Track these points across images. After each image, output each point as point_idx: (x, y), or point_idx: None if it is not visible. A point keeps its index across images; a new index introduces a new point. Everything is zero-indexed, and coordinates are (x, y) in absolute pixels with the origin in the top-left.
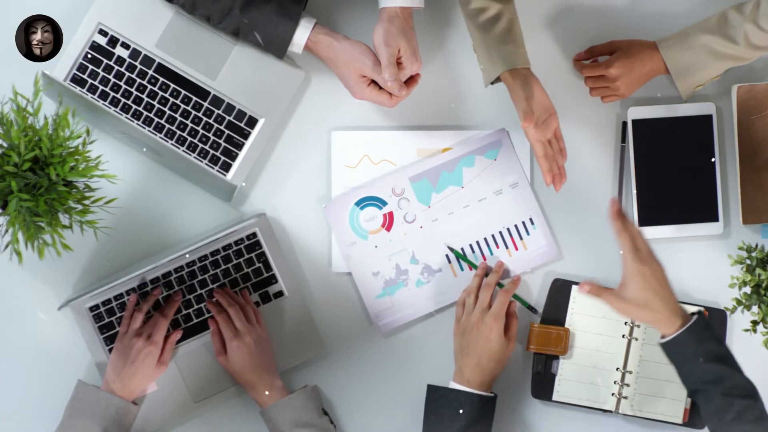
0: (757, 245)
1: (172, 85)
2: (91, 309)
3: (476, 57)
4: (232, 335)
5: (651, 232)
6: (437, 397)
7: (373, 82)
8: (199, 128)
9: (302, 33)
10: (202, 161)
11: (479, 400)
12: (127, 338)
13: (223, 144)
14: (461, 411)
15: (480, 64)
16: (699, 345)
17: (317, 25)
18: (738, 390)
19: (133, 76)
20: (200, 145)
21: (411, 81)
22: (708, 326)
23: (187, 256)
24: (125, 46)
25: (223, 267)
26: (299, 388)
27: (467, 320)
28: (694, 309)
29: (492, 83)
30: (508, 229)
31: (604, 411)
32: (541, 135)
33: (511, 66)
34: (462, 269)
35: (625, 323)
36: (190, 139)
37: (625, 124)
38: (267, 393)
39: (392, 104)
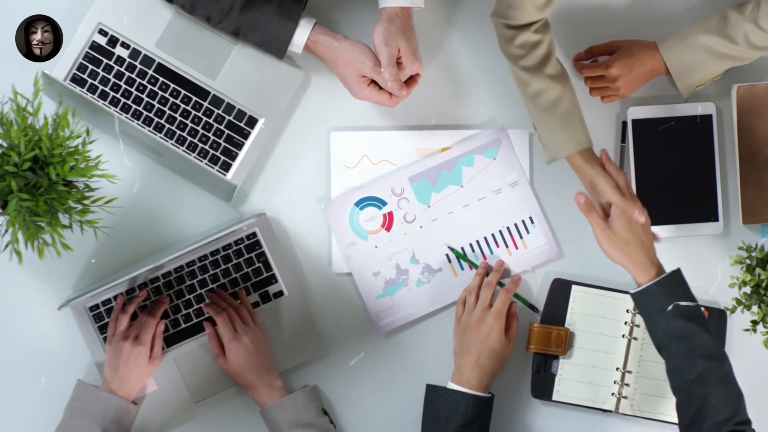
0: (757, 245)
1: (172, 85)
2: (91, 309)
3: (537, 135)
4: (230, 336)
5: None
6: (435, 397)
7: (373, 82)
8: (198, 128)
9: (302, 33)
10: (202, 161)
11: (475, 401)
12: (115, 341)
13: (223, 144)
14: (458, 411)
15: (541, 143)
16: (668, 299)
17: (317, 25)
18: (703, 350)
19: (133, 75)
20: (200, 144)
21: (411, 81)
22: (681, 282)
23: (187, 255)
24: (125, 45)
25: (223, 267)
26: (299, 388)
27: (468, 319)
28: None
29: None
30: (508, 228)
31: (604, 411)
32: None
33: (579, 148)
34: (462, 268)
35: (625, 323)
36: (189, 138)
37: (625, 124)
38: (267, 393)
39: (392, 104)
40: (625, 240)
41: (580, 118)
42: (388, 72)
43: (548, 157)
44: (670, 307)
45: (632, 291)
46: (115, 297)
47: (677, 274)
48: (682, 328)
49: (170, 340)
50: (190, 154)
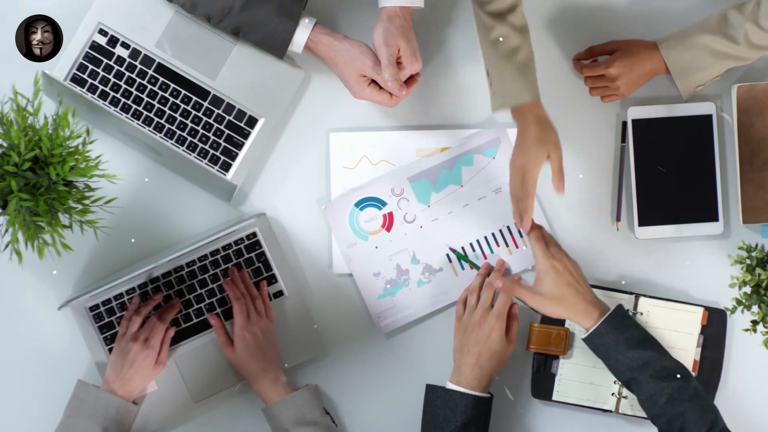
0: (757, 245)
1: (172, 85)
2: (91, 309)
3: (488, 82)
4: (241, 324)
5: (651, 232)
6: (434, 397)
7: (374, 81)
8: (198, 128)
9: (302, 33)
10: (202, 161)
11: (475, 401)
12: (124, 341)
13: (223, 144)
14: (457, 411)
15: (491, 90)
16: (620, 334)
17: (317, 25)
18: (666, 372)
19: (133, 75)
20: (200, 144)
21: (411, 80)
22: (626, 315)
23: (188, 255)
24: (125, 45)
25: (223, 267)
26: (301, 387)
27: (469, 319)
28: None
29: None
30: (508, 227)
31: (604, 411)
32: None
33: (531, 98)
34: (463, 268)
35: None
36: (189, 138)
37: (625, 124)
38: (271, 387)
39: (392, 104)
40: (559, 296)
41: (534, 73)
42: (387, 72)
43: (497, 105)
44: (625, 344)
45: (583, 337)
46: (116, 297)
47: (620, 308)
48: (641, 357)
49: (170, 340)
50: (190, 154)
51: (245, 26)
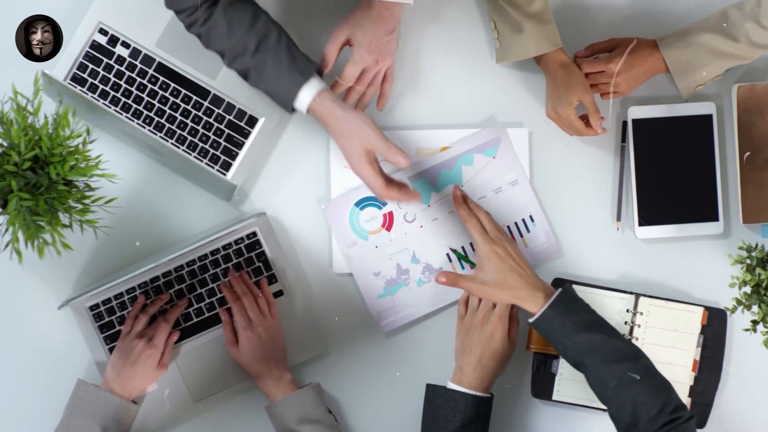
0: (757, 245)
1: (173, 85)
2: (91, 308)
3: (496, 34)
4: (244, 325)
5: (651, 232)
6: (434, 397)
7: (375, 161)
8: (199, 127)
9: (308, 92)
10: (202, 160)
11: (475, 401)
12: (129, 339)
13: (223, 143)
14: (457, 411)
15: (501, 40)
16: (566, 318)
17: (326, 90)
18: (616, 354)
19: (134, 75)
20: (200, 144)
21: (384, 80)
22: (573, 298)
23: (188, 254)
24: (125, 45)
25: (224, 266)
26: (304, 385)
27: (471, 319)
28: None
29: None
30: (508, 227)
31: (604, 410)
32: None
33: (553, 46)
34: (463, 268)
35: (625, 323)
36: (190, 138)
37: (625, 123)
38: (275, 385)
39: (385, 195)
40: (502, 282)
41: (551, 20)
42: (323, 57)
43: (502, 57)
44: (572, 328)
45: (530, 321)
46: (116, 296)
47: (565, 291)
48: (589, 341)
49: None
50: (190, 154)
51: (254, 71)
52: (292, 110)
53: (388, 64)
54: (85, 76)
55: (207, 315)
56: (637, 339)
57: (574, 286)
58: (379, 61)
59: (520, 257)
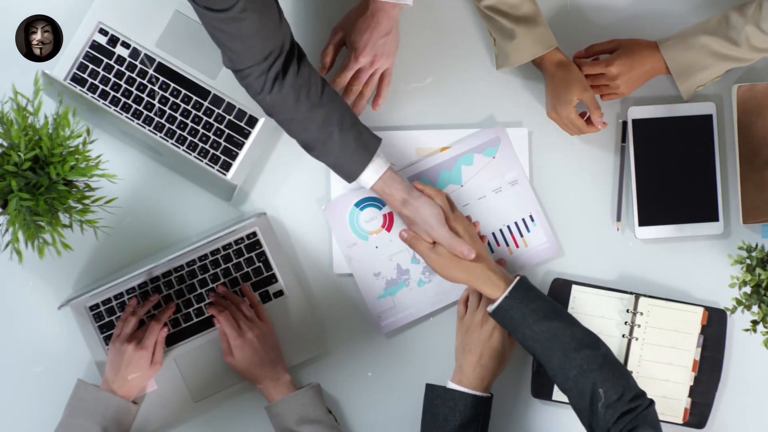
0: (757, 245)
1: (173, 85)
2: (91, 308)
3: (493, 41)
4: (234, 335)
5: (651, 232)
6: (434, 397)
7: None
8: (199, 127)
9: (374, 171)
10: (202, 160)
11: (474, 401)
12: (119, 342)
13: (224, 143)
14: (456, 411)
15: (496, 48)
16: (525, 306)
17: (391, 171)
18: (574, 343)
19: (134, 75)
20: (200, 144)
21: (381, 80)
22: (530, 287)
23: (188, 255)
24: (125, 45)
25: (223, 266)
26: (303, 385)
27: (471, 318)
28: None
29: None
30: (508, 227)
31: None
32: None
33: (547, 48)
34: None
35: (625, 323)
36: (190, 138)
37: (625, 123)
38: (274, 387)
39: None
40: (457, 260)
41: (543, 22)
42: (322, 57)
43: (511, 62)
44: (530, 317)
45: (489, 310)
46: (116, 296)
47: (522, 280)
48: (547, 330)
49: (170, 340)
50: (190, 154)
51: (319, 145)
52: (352, 181)
53: (385, 65)
54: (85, 76)
55: (207, 315)
56: (637, 339)
57: (574, 287)
58: (374, 63)
59: (477, 238)
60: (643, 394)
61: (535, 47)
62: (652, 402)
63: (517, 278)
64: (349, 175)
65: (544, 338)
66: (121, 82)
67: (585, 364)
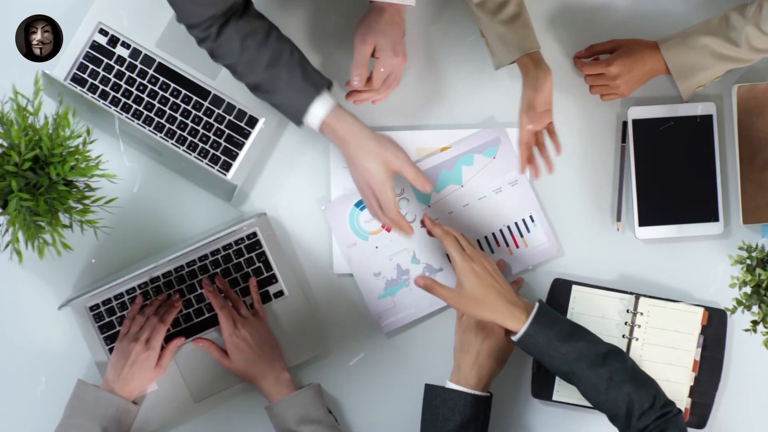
0: (757, 245)
1: (173, 85)
2: (91, 308)
3: (485, 42)
4: (229, 332)
5: (651, 232)
6: (433, 397)
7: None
8: (199, 128)
9: (322, 106)
10: (202, 161)
11: (474, 400)
12: (126, 341)
13: (224, 143)
14: (456, 411)
15: (489, 48)
16: (549, 331)
17: (339, 106)
18: (600, 359)
19: (134, 75)
20: (200, 144)
21: (390, 78)
22: (549, 310)
23: (188, 255)
24: (125, 45)
25: (223, 266)
26: (303, 385)
27: (469, 317)
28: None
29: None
30: (508, 227)
31: None
32: (532, 125)
33: (524, 51)
34: None
35: (625, 323)
36: (190, 138)
37: (625, 123)
38: (273, 386)
39: (395, 221)
40: (480, 298)
41: (528, 24)
42: (355, 71)
43: (497, 63)
44: (556, 340)
45: (514, 339)
46: (116, 296)
47: (542, 305)
48: (574, 350)
49: (171, 340)
50: (190, 154)
51: (267, 84)
52: (301, 123)
53: (405, 64)
54: (85, 76)
55: (207, 315)
56: (637, 339)
57: (574, 287)
58: (400, 63)
59: (497, 273)
60: (671, 402)
61: (517, 49)
62: (680, 410)
63: (538, 304)
64: (296, 112)
65: (572, 358)
66: (122, 83)
67: (615, 377)
